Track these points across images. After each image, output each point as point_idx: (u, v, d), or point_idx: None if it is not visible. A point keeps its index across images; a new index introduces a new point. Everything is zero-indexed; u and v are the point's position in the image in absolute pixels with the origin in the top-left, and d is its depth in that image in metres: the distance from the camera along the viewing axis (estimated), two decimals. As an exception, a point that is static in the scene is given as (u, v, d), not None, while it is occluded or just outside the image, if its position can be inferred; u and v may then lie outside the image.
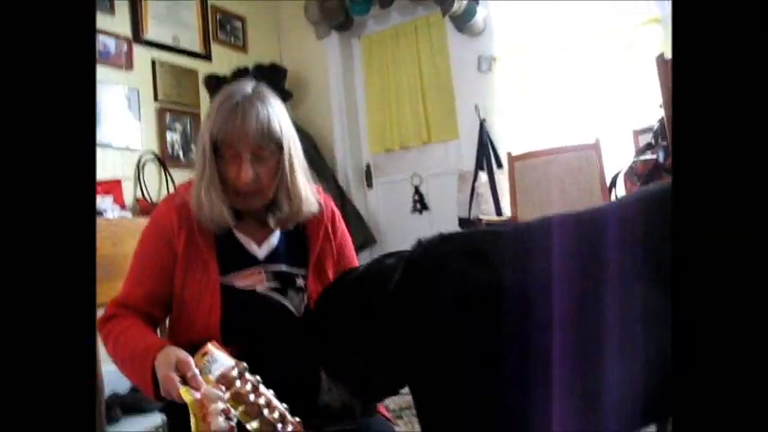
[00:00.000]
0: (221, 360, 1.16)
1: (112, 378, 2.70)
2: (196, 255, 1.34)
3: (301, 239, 1.43)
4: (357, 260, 1.51)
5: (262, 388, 1.14)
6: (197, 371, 1.13)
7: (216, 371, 1.13)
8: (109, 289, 2.42)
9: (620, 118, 3.36)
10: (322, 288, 1.35)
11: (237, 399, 1.10)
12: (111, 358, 1.31)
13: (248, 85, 1.33)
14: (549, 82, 3.66)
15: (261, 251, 1.39)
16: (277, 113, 1.31)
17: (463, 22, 3.80)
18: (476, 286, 1.04)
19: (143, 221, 2.74)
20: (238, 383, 1.12)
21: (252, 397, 1.11)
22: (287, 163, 1.32)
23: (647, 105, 2.98)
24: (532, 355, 1.00)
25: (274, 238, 1.41)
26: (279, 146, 1.31)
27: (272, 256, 1.40)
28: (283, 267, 1.40)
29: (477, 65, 3.84)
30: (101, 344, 2.57)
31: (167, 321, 1.44)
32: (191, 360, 1.15)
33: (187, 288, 1.34)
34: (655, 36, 3.33)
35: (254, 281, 1.37)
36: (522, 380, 1.02)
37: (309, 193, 1.39)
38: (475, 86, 3.87)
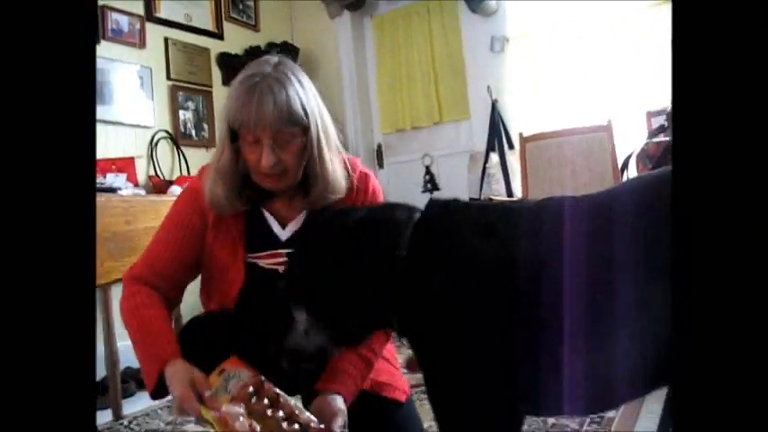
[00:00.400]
0: (238, 377, 1.18)
1: (127, 352, 2.76)
2: (226, 230, 1.37)
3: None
4: None
5: (283, 399, 1.16)
6: (213, 391, 1.15)
7: (232, 388, 1.16)
8: (123, 265, 2.46)
9: (634, 99, 3.34)
10: None
11: (254, 415, 1.12)
12: (128, 334, 1.33)
13: (269, 64, 1.28)
14: (561, 62, 3.63)
15: (285, 233, 1.40)
16: (299, 94, 1.25)
17: (476, 2, 3.77)
18: (487, 261, 1.05)
19: (156, 199, 2.79)
20: (254, 399, 1.15)
21: (269, 412, 1.13)
22: (314, 145, 1.28)
23: (661, 87, 2.96)
24: (541, 330, 1.02)
25: (301, 219, 1.40)
26: (303, 128, 1.26)
27: (296, 238, 1.39)
28: None
29: (489, 45, 3.82)
30: (116, 317, 2.61)
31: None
32: (206, 380, 1.17)
33: (215, 258, 1.38)
34: (667, 16, 3.29)
35: (278, 262, 1.38)
36: (529, 355, 1.04)
37: (339, 174, 1.35)
38: (487, 67, 3.85)
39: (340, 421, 1.20)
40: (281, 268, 1.37)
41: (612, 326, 0.97)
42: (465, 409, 1.09)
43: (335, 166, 1.34)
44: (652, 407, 1.99)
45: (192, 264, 1.41)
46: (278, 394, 1.17)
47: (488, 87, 3.79)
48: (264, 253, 1.39)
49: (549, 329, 1.02)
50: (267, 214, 1.40)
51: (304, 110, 1.25)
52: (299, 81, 1.28)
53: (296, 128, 1.25)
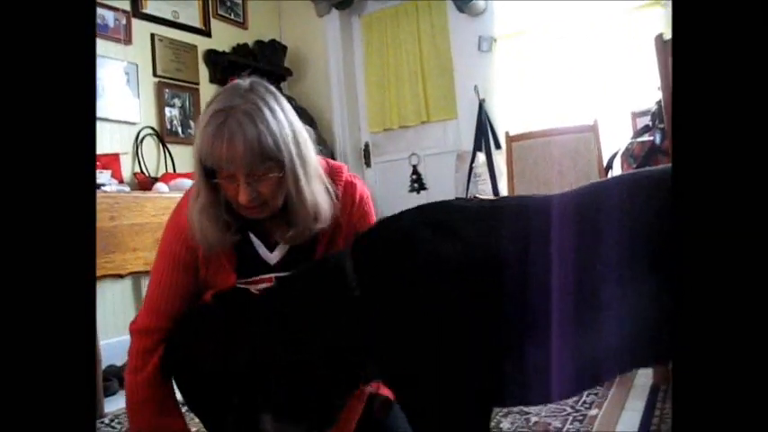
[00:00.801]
0: None
1: (109, 350, 2.74)
2: (216, 259, 1.35)
3: (315, 237, 1.35)
4: None
5: None
6: None
7: None
8: (107, 261, 2.45)
9: (619, 100, 3.36)
10: None
11: None
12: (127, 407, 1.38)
13: (238, 94, 1.21)
14: (548, 62, 3.65)
15: (273, 256, 1.38)
16: (270, 127, 1.19)
17: (464, 1, 3.78)
18: (448, 262, 1.05)
19: (141, 195, 2.76)
20: None
21: None
22: (290, 180, 1.23)
23: (646, 88, 2.98)
24: (503, 323, 1.03)
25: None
26: (278, 161, 1.21)
27: (286, 261, 1.37)
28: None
29: (477, 45, 3.83)
30: (99, 314, 2.58)
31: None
32: None
33: (210, 286, 1.38)
34: (655, 18, 3.31)
35: (267, 288, 1.35)
36: (505, 349, 1.06)
37: (321, 201, 1.29)
38: (475, 67, 3.86)
39: None
40: None
41: (594, 311, 0.99)
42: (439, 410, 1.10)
43: (316, 195, 1.28)
44: (634, 404, 2.00)
45: (194, 295, 1.40)
46: None
47: (476, 87, 3.80)
48: (255, 278, 1.38)
49: (521, 321, 1.04)
50: (254, 238, 1.38)
51: (276, 144, 1.19)
52: (271, 110, 1.21)
53: (270, 162, 1.20)
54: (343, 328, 1.10)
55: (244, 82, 1.25)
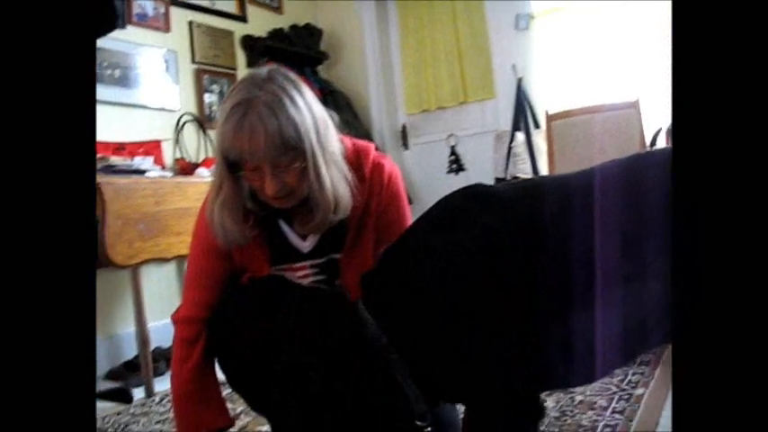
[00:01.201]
0: None
1: (156, 333, 2.81)
2: (248, 246, 1.35)
3: (346, 221, 1.34)
4: (406, 222, 1.40)
5: None
6: None
7: None
8: (153, 246, 2.51)
9: (662, 76, 3.28)
10: (358, 275, 1.28)
11: None
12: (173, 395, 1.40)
13: (257, 85, 1.20)
14: (588, 39, 3.57)
15: (305, 244, 1.38)
16: (292, 116, 1.18)
17: (500, -22, 3.73)
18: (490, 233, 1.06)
19: (184, 180, 2.81)
20: None
21: None
22: (311, 169, 1.21)
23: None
24: (545, 297, 1.02)
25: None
26: (301, 151, 1.20)
27: (318, 247, 1.38)
28: (329, 256, 1.38)
29: (514, 23, 3.78)
30: (146, 298, 2.64)
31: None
32: None
33: (246, 270, 1.38)
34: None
35: (300, 276, 1.38)
36: (548, 329, 1.04)
37: (342, 192, 1.27)
38: (512, 45, 3.81)
39: None
40: (304, 282, 1.38)
41: (637, 282, 0.98)
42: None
43: (336, 186, 1.27)
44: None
45: (230, 281, 1.41)
46: None
47: (513, 66, 3.75)
48: (288, 266, 1.39)
49: (564, 296, 1.02)
50: (285, 227, 1.39)
51: (298, 134, 1.18)
52: (291, 98, 1.20)
53: (293, 152, 1.19)
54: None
55: (261, 71, 1.24)
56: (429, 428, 1.14)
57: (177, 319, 1.40)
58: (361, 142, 1.42)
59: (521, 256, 1.05)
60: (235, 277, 1.42)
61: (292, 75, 1.26)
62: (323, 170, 1.22)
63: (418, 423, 1.13)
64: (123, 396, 2.53)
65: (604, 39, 3.53)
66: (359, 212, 1.34)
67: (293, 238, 1.38)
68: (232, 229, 1.27)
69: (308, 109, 1.22)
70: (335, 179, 1.25)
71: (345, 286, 1.36)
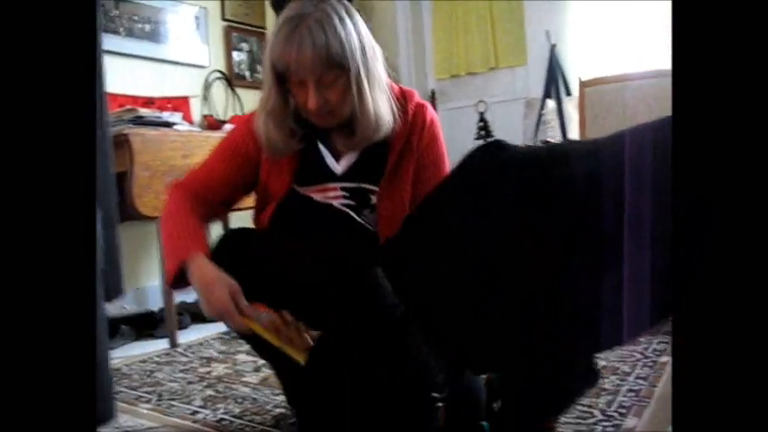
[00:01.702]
0: (262, 316, 1.23)
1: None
2: (280, 164, 1.39)
3: (383, 154, 1.38)
4: (444, 167, 1.44)
5: (309, 332, 1.21)
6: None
7: (264, 320, 1.21)
8: (179, 199, 2.51)
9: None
10: (393, 207, 1.35)
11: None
12: (162, 224, 1.39)
13: (310, 4, 1.24)
14: (624, 5, 3.48)
15: (339, 166, 1.40)
16: (339, 34, 1.22)
17: (538, -59, 3.63)
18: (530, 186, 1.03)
19: (212, 135, 2.81)
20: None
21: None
22: (354, 86, 1.26)
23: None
24: (577, 259, 0.99)
25: (356, 154, 1.39)
26: (345, 70, 1.24)
27: (351, 172, 1.39)
28: (360, 184, 1.39)
29: (550, -12, 3.69)
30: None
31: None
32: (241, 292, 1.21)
33: (269, 189, 1.42)
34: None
35: (331, 196, 1.39)
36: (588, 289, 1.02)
37: (384, 113, 1.32)
38: (547, 11, 3.72)
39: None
40: (335, 203, 1.38)
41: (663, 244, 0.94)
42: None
43: (379, 106, 1.30)
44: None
45: (240, 188, 1.45)
46: (305, 327, 1.21)
47: (547, 32, 3.67)
48: (318, 186, 1.40)
49: (595, 256, 0.99)
50: (322, 147, 1.40)
51: (343, 51, 1.22)
52: (341, 19, 1.24)
53: (337, 70, 1.24)
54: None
55: None
56: (441, 402, 1.13)
57: (174, 183, 1.44)
58: (406, 87, 1.46)
59: (554, 210, 1.02)
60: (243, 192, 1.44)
61: (347, 1, 1.30)
62: (366, 89, 1.27)
63: (435, 395, 1.12)
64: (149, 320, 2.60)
65: (640, 7, 3.43)
66: (400, 144, 1.37)
67: (329, 158, 1.40)
68: (276, 139, 1.32)
69: (357, 31, 1.26)
70: (378, 100, 1.30)
71: (379, 215, 1.37)
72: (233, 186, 1.43)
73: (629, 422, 1.45)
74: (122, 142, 2.35)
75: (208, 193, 1.41)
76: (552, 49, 3.64)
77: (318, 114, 1.28)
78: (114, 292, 1.30)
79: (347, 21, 1.25)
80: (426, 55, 4.37)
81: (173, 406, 1.80)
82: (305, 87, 1.24)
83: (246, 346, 2.43)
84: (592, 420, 1.48)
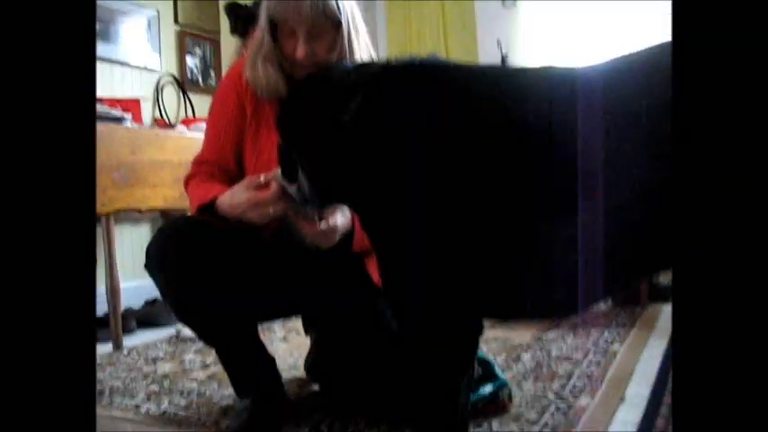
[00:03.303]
0: None
1: (128, 292, 2.75)
2: (266, 119, 1.45)
3: None
4: None
5: None
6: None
7: None
8: (127, 195, 2.45)
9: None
10: None
11: None
12: (191, 209, 1.44)
13: None
14: (575, 16, 3.57)
15: None
16: None
17: (489, -46, 3.72)
18: (455, 125, 0.96)
19: (162, 132, 2.75)
20: None
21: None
22: (345, 41, 1.33)
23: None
24: (520, 195, 0.94)
25: None
26: (336, 24, 1.31)
27: None
28: None
29: (501, -1, 3.77)
30: (118, 250, 2.60)
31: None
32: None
33: (258, 144, 1.46)
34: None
35: None
36: (508, 243, 0.96)
37: None
38: (499, 21, 3.80)
39: (339, 217, 1.31)
40: None
41: (617, 198, 0.89)
42: (415, 313, 1.04)
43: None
44: (657, 342, 1.97)
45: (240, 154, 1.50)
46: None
47: (498, 41, 3.73)
48: None
49: (537, 203, 0.93)
50: None
51: (338, 7, 1.30)
52: None
53: (329, 23, 1.31)
54: (326, 140, 1.07)
55: None
56: None
57: (195, 160, 1.51)
58: None
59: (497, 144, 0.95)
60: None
61: None
62: (355, 44, 1.34)
63: None
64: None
65: (592, 16, 3.53)
66: None
67: None
68: (275, 77, 1.37)
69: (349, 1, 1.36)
70: (363, 55, 1.37)
71: None
72: (239, 143, 1.47)
73: (583, 401, 1.45)
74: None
75: (220, 164, 1.46)
76: (504, 58, 3.70)
77: (304, 65, 1.31)
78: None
79: None
80: (381, 65, 4.40)
81: (114, 402, 1.72)
82: (294, 37, 1.31)
83: (195, 346, 2.36)
84: (545, 401, 1.47)
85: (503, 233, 0.96)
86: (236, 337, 1.46)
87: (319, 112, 1.09)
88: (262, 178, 1.23)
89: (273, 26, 1.34)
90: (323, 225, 1.27)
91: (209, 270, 1.35)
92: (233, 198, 1.28)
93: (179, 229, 1.40)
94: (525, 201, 0.94)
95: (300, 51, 1.30)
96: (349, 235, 1.36)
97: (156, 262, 1.38)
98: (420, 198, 0.98)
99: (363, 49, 1.39)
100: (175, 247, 1.36)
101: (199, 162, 1.50)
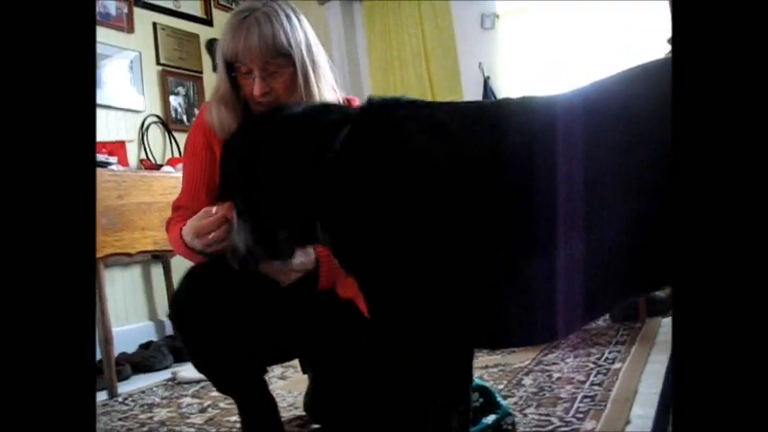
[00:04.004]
0: None
1: (121, 337, 2.72)
2: None
3: None
4: None
5: None
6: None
7: None
8: (116, 240, 2.43)
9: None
10: None
11: None
12: (175, 250, 1.43)
13: (258, 1, 1.34)
14: (554, 37, 3.61)
15: None
16: (284, 27, 1.32)
17: (465, -21, 3.76)
18: (436, 160, 0.95)
19: (148, 174, 2.74)
20: None
21: None
22: (300, 76, 1.33)
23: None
24: (500, 229, 0.93)
25: None
26: (290, 59, 1.31)
27: None
28: None
29: (480, 22, 3.80)
30: (110, 295, 2.56)
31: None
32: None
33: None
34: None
35: None
36: (492, 272, 0.95)
37: (330, 100, 1.37)
38: (478, 44, 3.84)
39: (298, 257, 1.28)
40: None
41: (599, 226, 0.88)
42: (406, 348, 1.02)
43: (324, 95, 1.36)
44: (658, 357, 1.96)
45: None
46: None
47: (480, 64, 3.77)
48: None
49: (516, 237, 0.93)
50: None
51: (288, 41, 1.31)
52: (287, 15, 1.34)
53: (282, 58, 1.31)
54: (303, 176, 1.05)
55: None
56: None
57: (174, 205, 1.50)
58: (348, 96, 1.55)
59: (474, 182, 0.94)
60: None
61: (294, 6, 1.40)
62: (312, 79, 1.34)
63: None
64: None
65: (571, 36, 3.56)
66: None
67: None
68: (229, 121, 1.36)
69: (302, 28, 1.35)
70: (325, 92, 1.36)
71: None
72: (212, 184, 1.44)
73: (588, 425, 1.43)
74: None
75: (194, 208, 1.40)
76: (486, 81, 3.73)
77: (263, 103, 1.32)
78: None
79: (293, 18, 1.34)
80: (364, 93, 4.41)
81: (111, 453, 1.68)
82: (251, 76, 1.31)
83: (192, 389, 2.32)
84: (550, 428, 1.45)
85: (486, 264, 0.95)
86: (249, 383, 1.45)
87: (289, 149, 1.07)
88: (214, 209, 1.24)
89: (231, 67, 1.34)
90: (277, 264, 1.25)
91: (233, 327, 1.34)
92: (186, 228, 1.29)
93: (200, 286, 1.38)
94: (508, 233, 0.93)
95: (257, 89, 1.30)
96: (314, 275, 1.35)
97: (182, 319, 1.39)
98: (404, 230, 0.97)
99: (325, 86, 1.38)
100: (200, 306, 1.35)
101: (176, 207, 1.49)
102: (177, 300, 1.41)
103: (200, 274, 1.38)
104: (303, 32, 1.36)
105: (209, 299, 1.34)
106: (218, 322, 1.33)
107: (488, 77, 3.74)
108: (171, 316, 1.46)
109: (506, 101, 1.04)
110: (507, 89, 3.72)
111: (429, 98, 4.02)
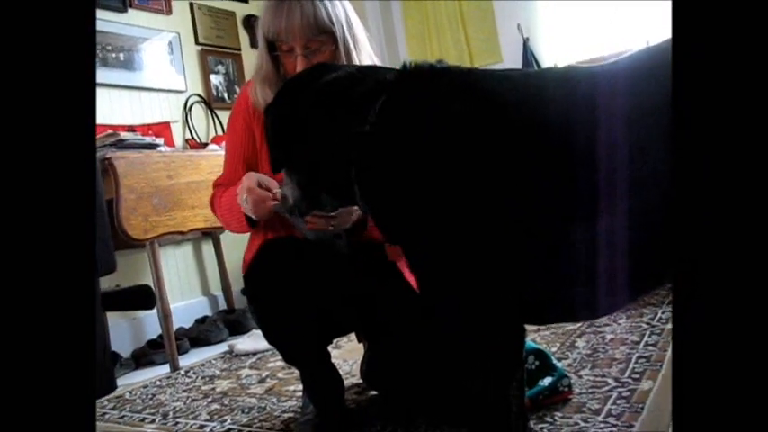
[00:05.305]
0: None
1: (178, 313, 2.80)
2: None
3: None
4: None
5: None
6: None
7: None
8: (168, 219, 2.49)
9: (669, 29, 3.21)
10: None
11: None
12: (220, 221, 1.52)
13: None
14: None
15: None
16: (326, 4, 1.33)
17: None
18: (478, 128, 0.95)
19: (195, 154, 2.79)
20: None
21: None
22: (342, 52, 1.35)
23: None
24: (546, 196, 0.92)
25: None
26: (332, 36, 1.33)
27: None
28: None
29: (517, -17, 3.73)
30: (166, 273, 2.64)
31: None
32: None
33: (264, 164, 1.47)
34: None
35: None
36: (541, 247, 0.94)
37: None
38: (516, 6, 3.76)
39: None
40: None
41: (643, 195, 0.86)
42: (457, 324, 1.02)
43: None
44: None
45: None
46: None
47: (518, 26, 3.70)
48: None
49: (561, 203, 0.91)
50: None
51: (330, 19, 1.32)
52: None
53: (324, 36, 1.33)
54: (340, 146, 1.06)
55: None
56: None
57: (215, 183, 1.54)
58: None
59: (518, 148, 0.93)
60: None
61: None
62: (353, 53, 1.36)
63: None
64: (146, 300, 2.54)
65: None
66: None
67: None
68: (270, 99, 1.36)
69: (342, 7, 1.37)
70: (364, 64, 1.37)
71: None
72: (252, 164, 1.48)
73: (645, 385, 1.43)
74: (106, 167, 2.32)
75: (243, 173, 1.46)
76: (525, 42, 3.67)
77: None
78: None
79: None
80: (400, 59, 4.38)
81: (178, 423, 1.76)
82: (293, 54, 1.33)
83: (249, 361, 2.39)
84: (606, 388, 1.46)
85: (531, 237, 0.94)
86: (317, 354, 1.49)
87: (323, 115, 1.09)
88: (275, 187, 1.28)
89: (272, 46, 1.36)
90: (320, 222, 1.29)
91: (305, 299, 1.37)
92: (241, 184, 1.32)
93: (273, 261, 1.40)
94: (553, 202, 0.92)
95: (299, 67, 1.31)
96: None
97: (257, 292, 1.43)
98: (446, 199, 0.97)
99: (365, 58, 1.39)
100: (274, 280, 1.38)
101: (216, 185, 1.53)
102: (252, 273, 1.43)
103: (273, 250, 1.42)
104: (342, 8, 1.37)
105: (282, 273, 1.37)
106: (291, 295, 1.36)
107: (527, 39, 3.67)
108: (245, 290, 1.49)
109: (548, 69, 1.04)
110: (547, 51, 3.66)
111: (467, 64, 3.98)
